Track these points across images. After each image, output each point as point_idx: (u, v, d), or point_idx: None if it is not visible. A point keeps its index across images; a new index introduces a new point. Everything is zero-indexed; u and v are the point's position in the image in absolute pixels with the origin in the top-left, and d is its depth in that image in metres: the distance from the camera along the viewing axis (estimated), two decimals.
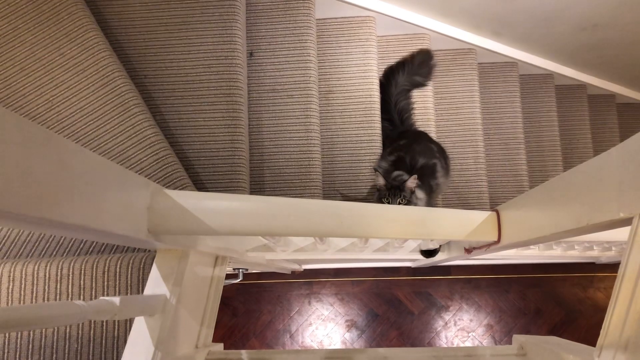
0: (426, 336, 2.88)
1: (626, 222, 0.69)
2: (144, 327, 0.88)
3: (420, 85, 2.13)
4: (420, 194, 1.75)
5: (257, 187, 1.77)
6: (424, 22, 2.15)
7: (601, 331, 0.71)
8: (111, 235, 0.67)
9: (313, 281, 2.97)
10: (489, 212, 1.22)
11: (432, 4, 2.04)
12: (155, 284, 0.95)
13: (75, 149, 0.59)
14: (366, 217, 1.03)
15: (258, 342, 2.89)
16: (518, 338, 1.06)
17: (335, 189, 1.94)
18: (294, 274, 2.96)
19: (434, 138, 2.06)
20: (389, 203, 1.70)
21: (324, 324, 2.92)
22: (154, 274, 0.96)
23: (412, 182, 1.69)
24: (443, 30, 2.20)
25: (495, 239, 1.21)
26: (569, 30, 2.16)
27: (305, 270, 2.88)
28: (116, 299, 0.75)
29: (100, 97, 1.48)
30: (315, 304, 2.94)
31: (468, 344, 2.86)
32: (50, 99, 1.49)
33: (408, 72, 2.07)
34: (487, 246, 1.29)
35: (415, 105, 2.14)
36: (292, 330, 2.91)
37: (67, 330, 1.04)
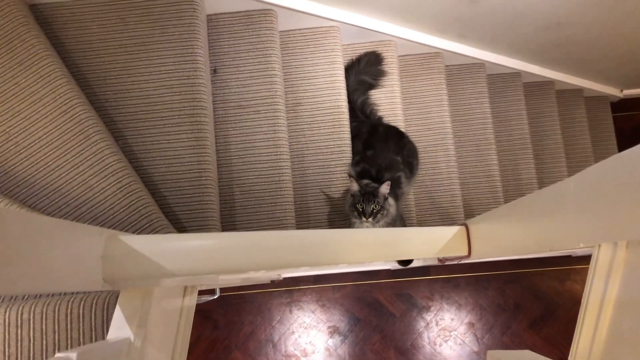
0: (409, 338, 2.89)
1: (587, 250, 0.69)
2: None
3: (371, 85, 2.16)
4: (391, 201, 1.77)
5: (228, 206, 1.75)
6: (389, 29, 2.14)
7: (569, 357, 0.71)
8: (65, 291, 0.65)
9: (293, 289, 2.96)
10: (458, 227, 1.22)
11: (396, 11, 2.03)
12: (119, 327, 0.92)
13: (13, 215, 0.56)
14: (334, 244, 1.02)
15: (241, 354, 2.86)
16: (493, 355, 1.06)
17: (307, 202, 1.92)
18: (274, 283, 2.94)
19: (405, 133, 2.06)
20: (362, 209, 1.71)
21: (307, 332, 2.91)
22: (117, 315, 0.93)
23: (385, 188, 1.71)
24: (408, 36, 2.19)
25: (466, 253, 1.21)
26: (534, 29, 2.17)
27: (284, 278, 2.86)
28: (73, 355, 0.72)
29: (59, 126, 1.43)
30: (297, 312, 2.93)
31: (450, 343, 2.88)
32: (7, 130, 1.45)
33: (355, 72, 2.10)
34: (459, 258, 1.29)
35: (380, 106, 2.16)
36: (275, 339, 2.89)
37: None
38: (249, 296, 2.93)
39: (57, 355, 0.71)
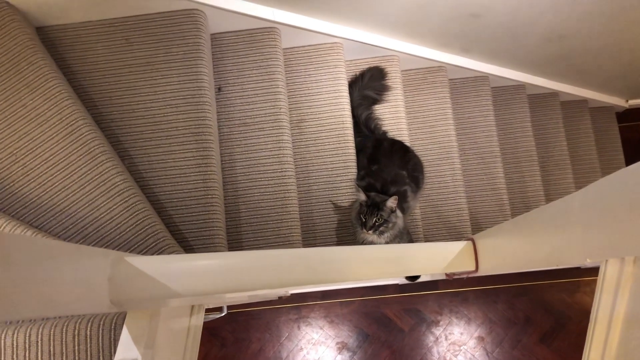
0: (418, 353, 2.86)
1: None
2: None
3: (375, 100, 2.17)
4: (399, 213, 1.76)
5: (234, 224, 1.75)
6: (392, 44, 2.15)
7: None
8: (72, 314, 0.65)
9: (301, 305, 2.94)
10: (465, 242, 1.21)
11: (398, 26, 2.04)
12: (126, 349, 0.92)
13: (20, 241, 0.57)
14: (340, 262, 1.02)
15: None
16: None
17: (312, 219, 1.92)
18: (281, 299, 2.93)
19: (409, 147, 2.06)
20: (364, 220, 1.71)
21: (315, 348, 2.89)
22: (124, 337, 0.93)
23: (392, 202, 1.70)
24: (411, 50, 2.20)
25: (473, 268, 1.20)
26: (536, 41, 2.17)
27: (292, 294, 2.85)
28: None
29: (65, 147, 1.45)
30: (305, 328, 2.91)
31: (460, 358, 2.85)
32: (14, 151, 1.46)
33: (359, 87, 2.11)
34: (467, 273, 1.29)
35: (385, 120, 2.16)
36: (283, 356, 2.88)
37: None
38: (257, 313, 2.92)
39: None
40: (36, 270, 0.58)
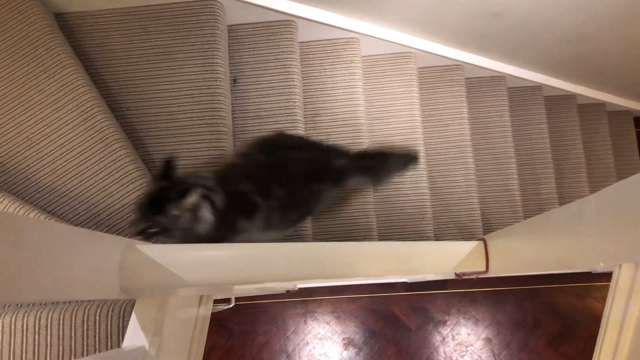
0: (424, 352, 2.86)
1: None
2: None
3: None
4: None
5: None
6: (410, 41, 2.13)
7: None
8: (82, 299, 0.65)
9: (308, 300, 2.95)
10: (476, 242, 1.20)
11: (416, 23, 2.03)
12: (134, 335, 0.93)
13: (33, 224, 0.57)
14: (348, 257, 1.01)
15: None
16: None
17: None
18: (289, 293, 2.93)
19: None
20: None
21: (321, 343, 2.89)
22: (133, 324, 0.94)
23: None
24: (429, 48, 2.18)
25: (484, 269, 1.19)
26: (556, 43, 2.15)
27: (300, 289, 2.85)
28: None
29: (80, 134, 1.46)
30: (312, 323, 2.92)
31: (467, 358, 2.84)
32: (30, 136, 1.47)
33: None
34: (477, 274, 1.28)
35: (399, 118, 2.15)
36: (289, 350, 2.88)
37: None
38: (264, 306, 2.93)
39: None
40: (49, 253, 0.58)
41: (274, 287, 2.12)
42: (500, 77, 2.47)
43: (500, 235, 1.09)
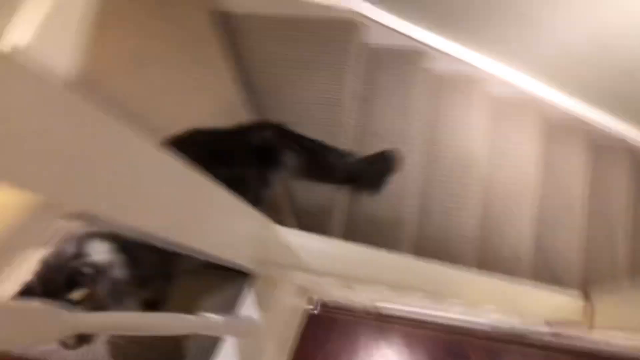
0: None
1: None
2: (235, 348, 0.96)
3: None
4: None
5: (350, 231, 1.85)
6: (539, 88, 2.11)
7: None
8: (223, 257, 0.75)
9: (384, 322, 2.96)
10: (578, 292, 1.19)
11: (549, 72, 2.02)
12: (250, 309, 1.02)
13: (217, 190, 0.68)
14: (458, 279, 1.06)
15: None
16: None
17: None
18: (367, 312, 2.96)
19: None
20: None
21: None
22: (250, 299, 1.03)
23: None
24: (557, 100, 2.15)
25: (584, 322, 1.17)
26: None
27: (378, 309, 2.87)
28: (220, 319, 0.82)
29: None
30: (382, 345, 2.93)
31: None
32: (175, 116, 1.63)
33: None
34: (574, 326, 1.25)
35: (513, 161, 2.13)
36: None
37: None
38: (340, 319, 2.97)
39: (209, 315, 0.82)
40: (214, 211, 0.69)
41: (359, 302, 2.17)
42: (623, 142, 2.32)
43: (612, 291, 1.08)
